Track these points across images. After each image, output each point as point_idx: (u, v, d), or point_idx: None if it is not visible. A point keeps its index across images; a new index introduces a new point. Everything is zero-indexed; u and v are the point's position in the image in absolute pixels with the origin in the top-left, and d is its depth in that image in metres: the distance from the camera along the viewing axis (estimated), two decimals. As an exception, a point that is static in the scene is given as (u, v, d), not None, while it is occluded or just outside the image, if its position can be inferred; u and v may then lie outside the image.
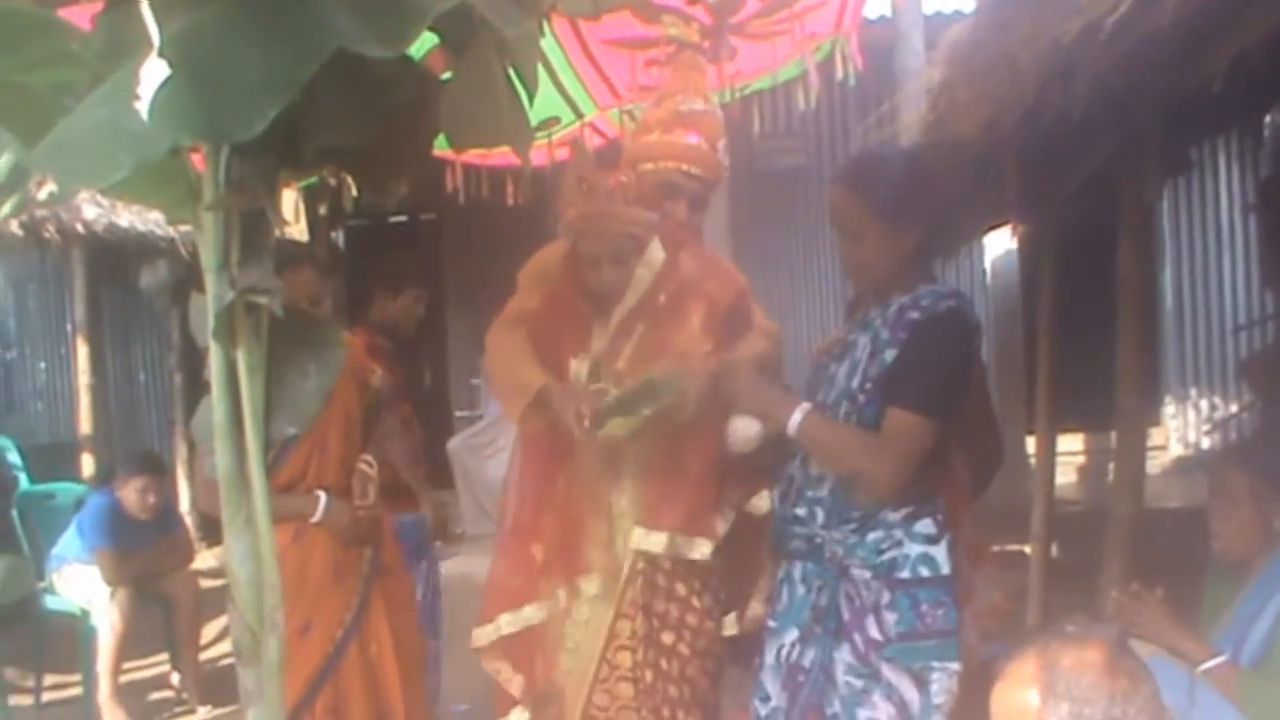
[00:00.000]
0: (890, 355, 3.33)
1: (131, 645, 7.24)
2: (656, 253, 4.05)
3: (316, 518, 4.32)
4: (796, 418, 3.37)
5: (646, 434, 3.93)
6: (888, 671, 3.32)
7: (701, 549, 3.99)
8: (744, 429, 3.59)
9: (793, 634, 3.51)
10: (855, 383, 3.38)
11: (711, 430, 3.77)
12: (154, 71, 1.93)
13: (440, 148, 2.89)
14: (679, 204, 4.11)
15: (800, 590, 3.52)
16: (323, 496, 4.33)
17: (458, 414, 12.87)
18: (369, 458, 4.59)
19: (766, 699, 3.58)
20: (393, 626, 4.45)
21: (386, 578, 4.52)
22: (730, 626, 4.15)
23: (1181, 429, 11.67)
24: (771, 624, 3.63)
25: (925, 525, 3.33)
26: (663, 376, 3.84)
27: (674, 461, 4.01)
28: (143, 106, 1.91)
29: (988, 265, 10.74)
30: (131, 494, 7.19)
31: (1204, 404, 11.57)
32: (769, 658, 3.59)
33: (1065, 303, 6.71)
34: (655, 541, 3.96)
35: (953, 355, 3.39)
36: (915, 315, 3.33)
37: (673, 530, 3.97)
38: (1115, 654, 2.30)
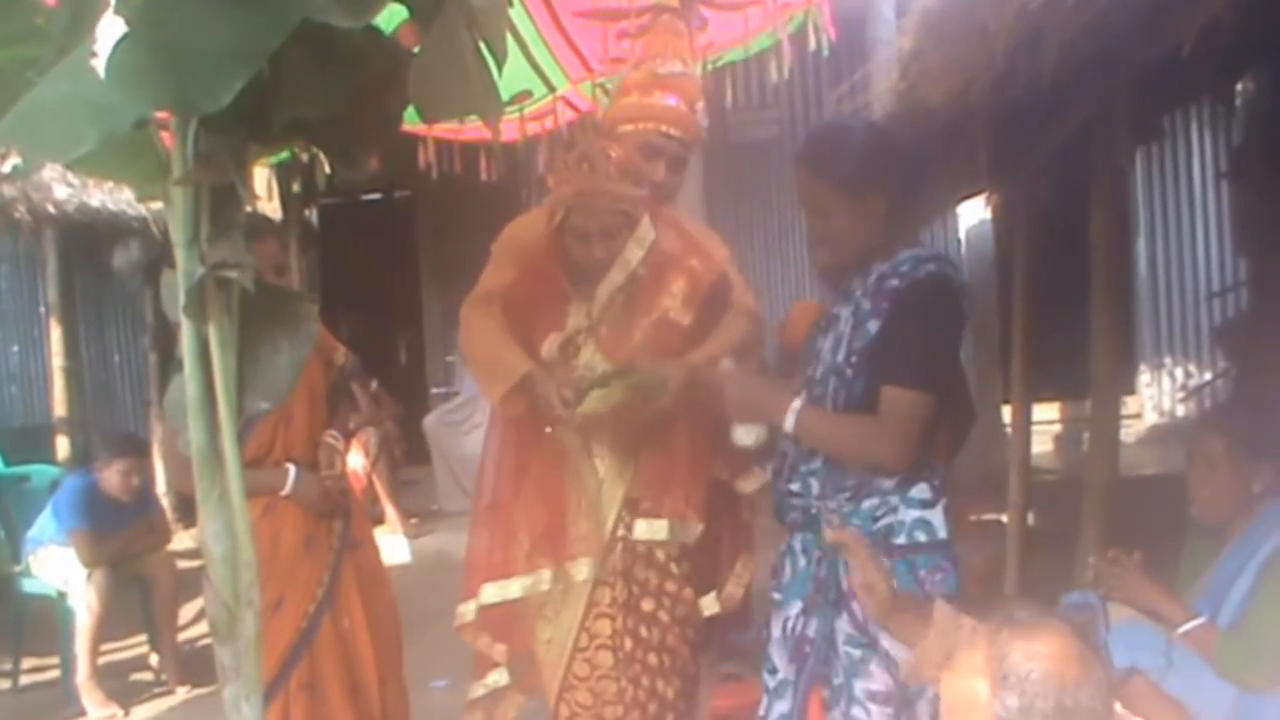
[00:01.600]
0: (873, 326, 3.29)
1: (109, 626, 7.24)
2: (647, 231, 4.05)
3: (286, 490, 4.34)
4: (790, 420, 3.35)
5: (630, 414, 3.94)
6: (886, 641, 3.28)
7: (695, 531, 4.01)
8: (744, 435, 3.56)
9: (796, 606, 3.49)
10: (841, 356, 3.35)
11: (700, 417, 3.78)
12: (110, 30, 1.92)
13: (411, 121, 2.88)
14: (658, 165, 4.11)
15: (801, 562, 3.50)
16: (292, 469, 4.36)
17: (433, 390, 12.89)
18: (335, 433, 4.59)
19: (774, 671, 3.56)
20: (365, 599, 4.46)
21: (357, 550, 4.53)
22: (710, 605, 4.17)
23: (1156, 397, 11.73)
24: (776, 596, 3.60)
25: (920, 490, 3.31)
26: (643, 367, 3.86)
27: (665, 448, 4.02)
28: (99, 64, 1.90)
29: (962, 234, 10.76)
30: (113, 476, 7.17)
31: (1178, 371, 11.62)
32: (775, 630, 3.57)
33: (1039, 271, 6.73)
34: (658, 529, 3.99)
35: (940, 322, 3.35)
36: (895, 283, 3.29)
37: (672, 517, 4.00)
38: (1065, 642, 2.28)
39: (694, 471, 4.01)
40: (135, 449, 7.50)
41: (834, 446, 3.36)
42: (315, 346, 4.41)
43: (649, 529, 3.99)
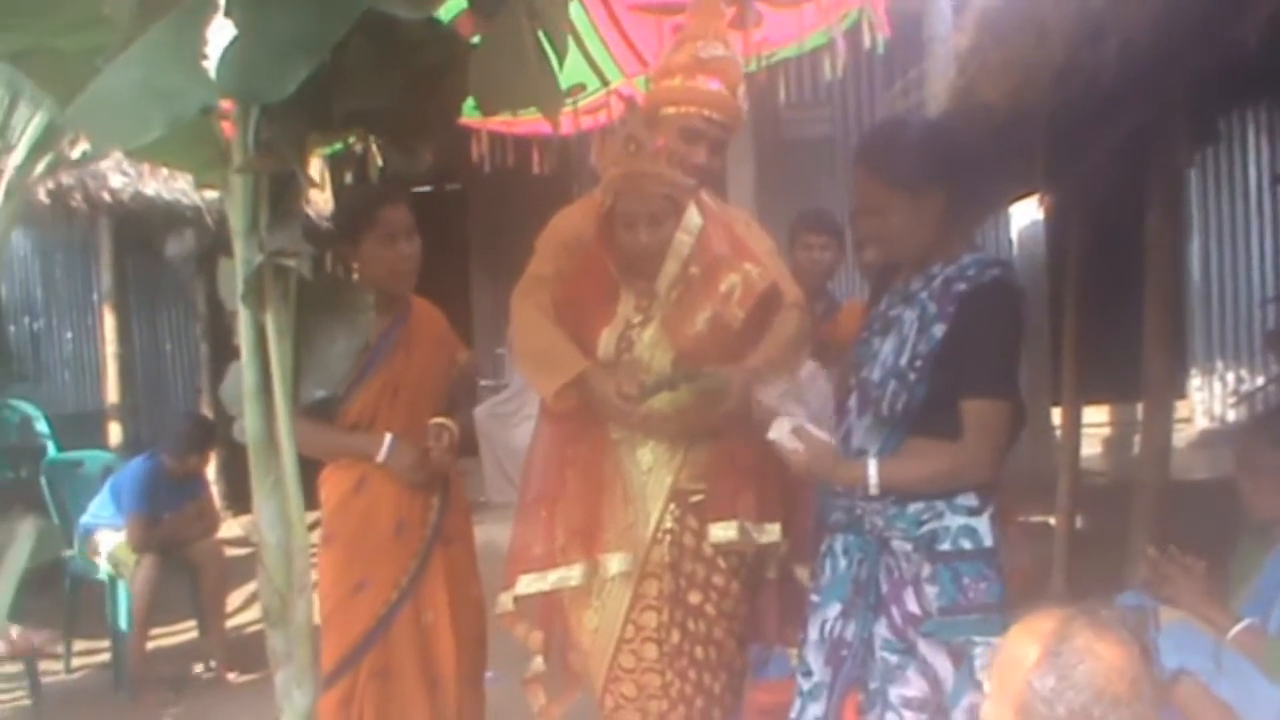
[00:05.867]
0: (939, 330, 3.26)
1: (159, 612, 7.32)
2: (694, 218, 4.05)
3: (381, 456, 4.26)
4: (874, 478, 3.28)
5: (695, 417, 3.95)
6: (924, 647, 3.28)
7: (770, 533, 4.02)
8: (777, 430, 3.38)
9: (835, 608, 3.47)
10: (904, 360, 3.30)
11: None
12: (221, 32, 1.95)
13: (467, 114, 2.90)
14: (699, 148, 4.10)
15: (842, 563, 3.48)
16: (389, 436, 4.27)
17: (482, 383, 12.86)
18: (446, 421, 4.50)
19: (809, 674, 3.53)
20: (452, 597, 4.34)
21: (451, 546, 4.44)
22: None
23: (1207, 401, 11.62)
24: (814, 598, 3.58)
25: (967, 497, 3.27)
26: (709, 371, 3.86)
27: (717, 439, 4.02)
28: (211, 66, 1.93)
29: (1014, 235, 10.71)
30: (194, 461, 7.47)
31: (1230, 376, 11.51)
32: (812, 633, 3.54)
33: (1091, 274, 6.71)
34: (726, 530, 3.99)
35: (1007, 328, 3.32)
36: (962, 287, 3.26)
37: (744, 519, 4.00)
38: (1129, 658, 2.28)
39: (754, 470, 3.98)
40: (213, 439, 7.63)
41: (924, 485, 3.30)
42: (437, 334, 4.53)
43: (720, 532, 4.00)
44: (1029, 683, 2.30)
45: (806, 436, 3.36)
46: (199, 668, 7.61)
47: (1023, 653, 2.35)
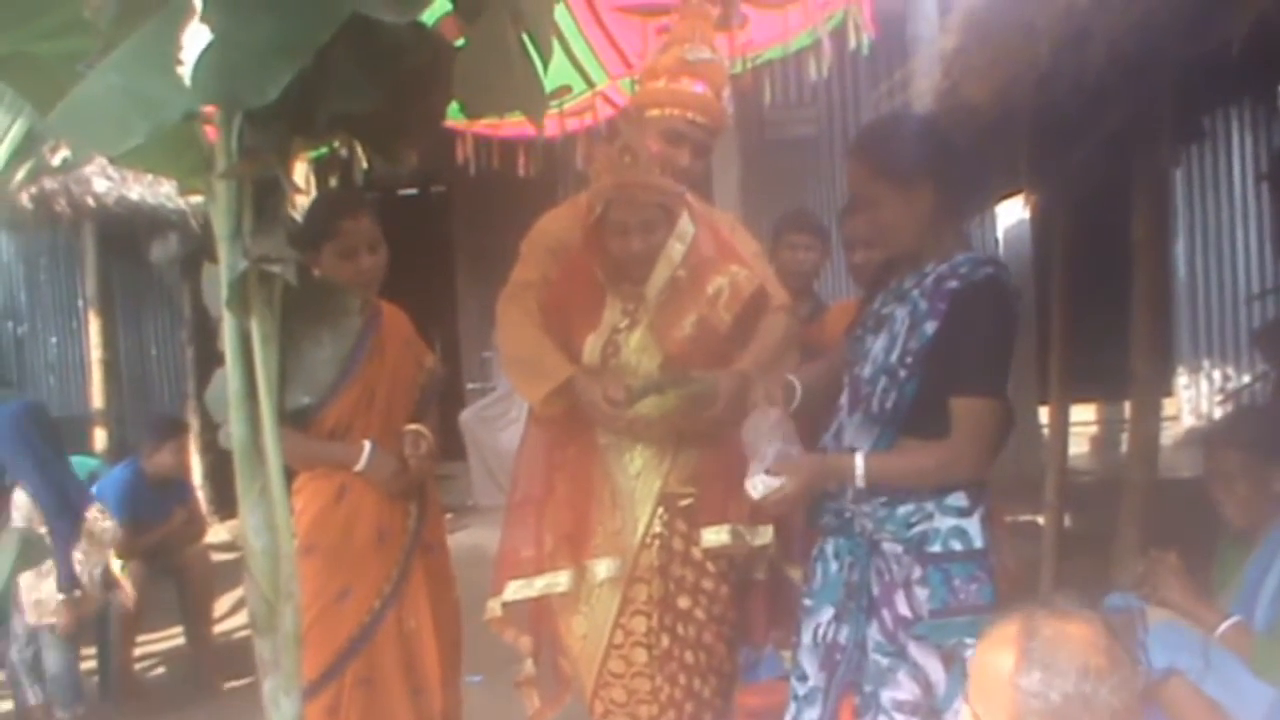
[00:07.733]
0: (930, 328, 3.25)
1: (145, 619, 7.28)
2: (687, 226, 4.04)
3: (360, 465, 4.22)
4: (860, 469, 3.27)
5: (682, 421, 3.94)
6: (915, 650, 3.28)
7: (764, 536, 4.03)
8: (755, 487, 3.33)
9: (828, 612, 3.47)
10: (894, 357, 3.31)
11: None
12: (196, 37, 1.94)
13: (452, 117, 2.89)
14: (682, 151, 4.10)
15: (833, 567, 3.48)
16: (368, 444, 4.24)
17: (469, 386, 12.87)
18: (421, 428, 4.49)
19: (804, 678, 3.53)
20: (433, 603, 4.35)
21: (430, 554, 4.43)
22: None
23: (1194, 399, 11.63)
24: (807, 602, 3.58)
25: (957, 498, 3.27)
26: (696, 375, 3.85)
27: (705, 443, 4.02)
28: (185, 72, 1.92)
29: (1000, 235, 10.71)
30: (161, 459, 7.37)
31: (1216, 374, 11.52)
32: (805, 637, 3.54)
33: (1078, 272, 6.70)
34: (718, 535, 3.99)
35: (999, 326, 3.31)
36: (954, 284, 3.25)
37: (735, 522, 4.01)
38: (1097, 633, 2.31)
39: (743, 472, 3.97)
40: (179, 431, 7.59)
41: (912, 480, 3.30)
42: (404, 338, 4.49)
43: (714, 536, 4.00)
44: (1015, 685, 2.31)
45: (786, 466, 3.33)
46: (186, 675, 7.57)
47: (998, 662, 2.36)
